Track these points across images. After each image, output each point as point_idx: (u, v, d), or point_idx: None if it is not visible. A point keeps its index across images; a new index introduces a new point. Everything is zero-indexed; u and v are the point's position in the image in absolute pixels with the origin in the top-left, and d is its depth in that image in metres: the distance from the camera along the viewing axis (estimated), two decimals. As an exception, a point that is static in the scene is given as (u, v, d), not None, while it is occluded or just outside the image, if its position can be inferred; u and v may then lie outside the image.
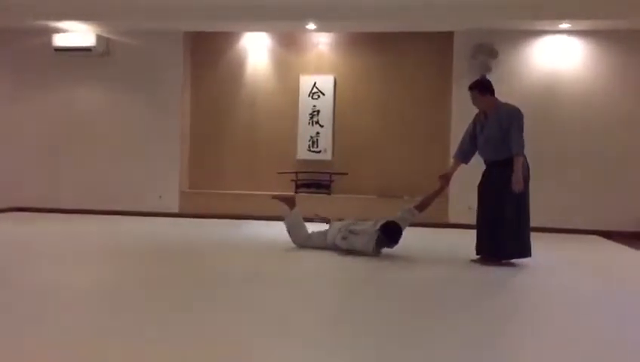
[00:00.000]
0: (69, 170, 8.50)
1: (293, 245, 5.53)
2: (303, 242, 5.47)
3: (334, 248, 5.26)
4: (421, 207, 5.25)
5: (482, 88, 4.97)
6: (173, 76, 8.40)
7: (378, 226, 5.04)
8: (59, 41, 8.24)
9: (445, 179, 5.26)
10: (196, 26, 8.31)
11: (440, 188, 5.31)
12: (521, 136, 4.79)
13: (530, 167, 4.92)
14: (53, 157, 8.53)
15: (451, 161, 5.56)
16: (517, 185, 4.71)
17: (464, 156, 5.19)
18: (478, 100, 4.99)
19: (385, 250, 5.19)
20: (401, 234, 4.99)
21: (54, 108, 8.54)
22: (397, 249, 5.21)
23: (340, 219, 5.55)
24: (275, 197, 5.81)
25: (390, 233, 4.98)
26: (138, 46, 8.41)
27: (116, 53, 8.46)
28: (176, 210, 8.31)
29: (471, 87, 5.01)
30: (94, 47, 8.19)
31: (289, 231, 5.54)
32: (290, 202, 5.63)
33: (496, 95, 5.04)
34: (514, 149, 4.75)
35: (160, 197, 8.34)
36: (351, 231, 5.18)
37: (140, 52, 8.41)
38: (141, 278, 4.12)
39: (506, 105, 4.97)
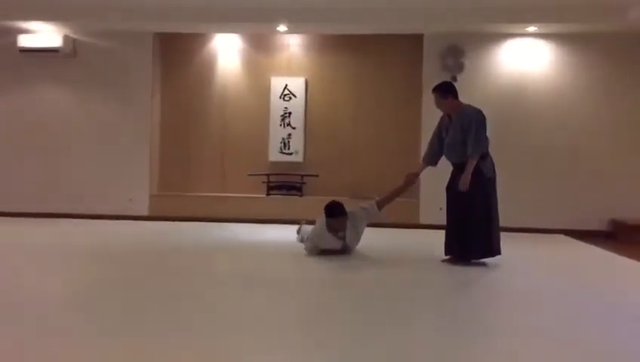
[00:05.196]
0: (35, 173, 8.31)
1: (266, 246, 5.65)
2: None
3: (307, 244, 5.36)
4: (381, 203, 5.27)
5: (443, 91, 5.01)
6: (143, 78, 8.29)
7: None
8: (24, 41, 8.06)
9: (410, 177, 5.25)
10: (166, 28, 8.20)
11: (402, 186, 5.27)
12: (481, 138, 4.82)
13: (495, 168, 4.98)
14: (18, 160, 8.33)
15: (420, 164, 5.57)
16: (463, 186, 4.77)
17: (431, 159, 5.23)
18: (441, 103, 5.03)
19: (357, 249, 5.27)
20: (340, 207, 5.04)
21: (19, 109, 8.34)
22: (368, 249, 5.26)
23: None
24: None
25: (329, 209, 5.05)
26: (106, 47, 8.28)
27: (84, 54, 8.31)
28: (145, 213, 8.21)
29: (433, 91, 5.07)
30: (61, 47, 8.04)
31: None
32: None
33: (465, 97, 5.08)
34: (469, 151, 4.81)
35: (130, 200, 8.23)
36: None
37: (108, 53, 8.28)
38: (117, 281, 4.06)
39: (469, 107, 5.00)
